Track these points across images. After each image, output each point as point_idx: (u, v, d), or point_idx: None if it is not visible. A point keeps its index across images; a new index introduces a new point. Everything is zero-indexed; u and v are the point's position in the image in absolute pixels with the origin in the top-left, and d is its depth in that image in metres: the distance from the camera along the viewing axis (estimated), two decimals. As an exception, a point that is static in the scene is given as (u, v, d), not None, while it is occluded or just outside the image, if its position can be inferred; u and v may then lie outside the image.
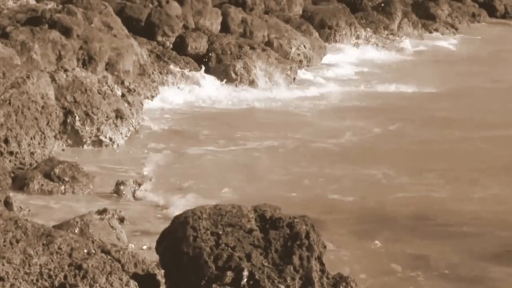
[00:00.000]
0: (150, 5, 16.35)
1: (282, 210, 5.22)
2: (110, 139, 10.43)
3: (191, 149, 10.58)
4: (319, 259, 4.93)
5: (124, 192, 8.39)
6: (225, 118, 12.70)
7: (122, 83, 12.21)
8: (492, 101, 14.99)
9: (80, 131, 10.25)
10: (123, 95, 11.28)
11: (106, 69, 12.39)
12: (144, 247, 6.78)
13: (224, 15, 17.65)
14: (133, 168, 9.54)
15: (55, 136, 9.45)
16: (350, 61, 19.41)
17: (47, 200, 8.13)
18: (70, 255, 4.86)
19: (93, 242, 5.17)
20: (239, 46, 15.50)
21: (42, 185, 8.34)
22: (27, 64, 11.15)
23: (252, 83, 15.04)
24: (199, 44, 15.58)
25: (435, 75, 18.08)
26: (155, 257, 5.32)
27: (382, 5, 24.76)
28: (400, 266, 6.82)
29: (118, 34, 13.13)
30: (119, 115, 10.57)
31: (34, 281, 4.70)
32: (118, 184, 8.50)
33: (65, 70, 10.60)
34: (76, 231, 6.48)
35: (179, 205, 7.85)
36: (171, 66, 14.46)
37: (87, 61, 12.18)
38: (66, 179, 8.41)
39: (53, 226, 5.97)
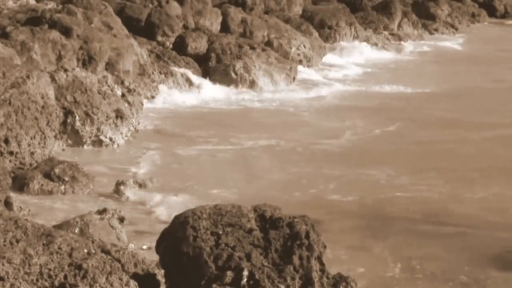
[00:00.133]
0: (150, 5, 16.37)
1: (282, 210, 5.22)
2: (110, 139, 10.43)
3: (191, 149, 10.58)
4: (319, 259, 4.93)
5: (124, 192, 8.39)
6: (225, 118, 12.69)
7: (122, 83, 12.23)
8: (493, 101, 14.98)
9: (80, 131, 10.25)
10: (123, 95, 11.28)
11: (106, 69, 12.39)
12: (144, 247, 6.78)
13: (224, 15, 17.67)
14: (133, 168, 9.54)
15: (55, 136, 9.46)
16: (350, 61, 19.41)
17: (47, 200, 8.13)
18: (70, 255, 4.86)
19: (93, 242, 5.17)
20: (239, 46, 15.50)
21: (42, 185, 8.34)
22: (27, 64, 11.16)
23: (252, 83, 15.03)
24: (199, 44, 15.58)
25: (435, 75, 18.07)
26: (155, 257, 5.32)
27: (382, 5, 24.80)
28: (400, 266, 6.82)
29: (118, 34, 13.14)
30: (119, 115, 10.57)
31: (34, 281, 4.70)
32: (118, 184, 8.50)
33: (65, 70, 10.60)
34: (76, 231, 6.49)
35: (179, 205, 7.84)
36: (171, 66, 14.46)
37: (87, 61, 12.19)
38: (66, 179, 8.41)
39: (53, 226, 5.98)
